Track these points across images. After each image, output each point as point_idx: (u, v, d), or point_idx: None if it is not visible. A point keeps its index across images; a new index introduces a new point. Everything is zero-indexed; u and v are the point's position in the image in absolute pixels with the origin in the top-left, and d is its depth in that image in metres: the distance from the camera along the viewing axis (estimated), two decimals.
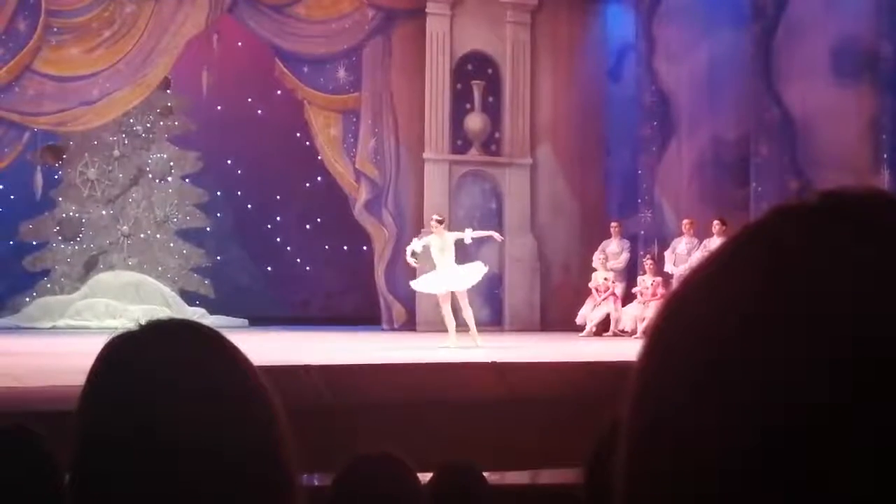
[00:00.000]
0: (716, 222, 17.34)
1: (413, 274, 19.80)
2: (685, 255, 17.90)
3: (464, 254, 20.10)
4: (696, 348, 0.71)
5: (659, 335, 0.76)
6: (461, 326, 15.48)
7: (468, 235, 16.07)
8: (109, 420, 1.33)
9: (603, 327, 18.64)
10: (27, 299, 20.60)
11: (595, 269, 18.99)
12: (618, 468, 0.75)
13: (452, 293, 15.67)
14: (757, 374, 0.67)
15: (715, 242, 17.03)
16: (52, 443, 2.62)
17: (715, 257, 0.74)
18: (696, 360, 0.71)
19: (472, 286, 16.15)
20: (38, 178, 20.23)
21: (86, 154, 21.36)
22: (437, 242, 15.61)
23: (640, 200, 19.71)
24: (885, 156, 15.80)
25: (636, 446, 0.74)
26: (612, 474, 0.77)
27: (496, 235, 16.84)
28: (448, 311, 15.50)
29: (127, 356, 1.38)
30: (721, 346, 0.70)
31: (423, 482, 3.68)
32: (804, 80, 16.52)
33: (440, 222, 15.73)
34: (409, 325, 19.71)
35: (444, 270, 15.59)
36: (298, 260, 22.55)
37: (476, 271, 15.89)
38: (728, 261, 0.73)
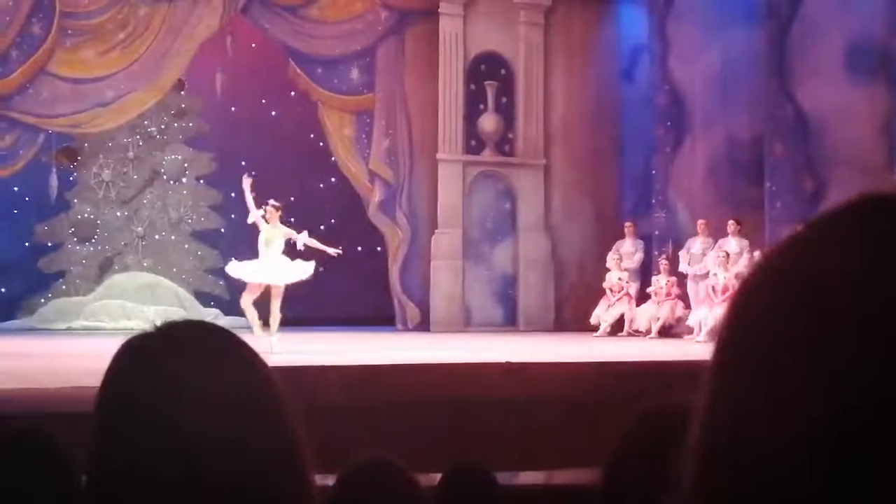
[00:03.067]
0: (731, 222, 17.34)
1: (427, 275, 19.84)
2: (700, 254, 17.88)
3: (478, 253, 20.14)
4: (778, 343, 0.68)
5: (732, 330, 0.72)
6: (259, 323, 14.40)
7: (302, 239, 14.74)
8: (125, 421, 1.34)
9: (617, 327, 18.63)
10: (42, 300, 20.65)
11: (609, 270, 18.98)
12: (688, 465, 0.72)
13: (267, 289, 14.48)
14: (845, 370, 0.65)
15: (729, 242, 17.03)
16: (68, 444, 2.62)
17: (791, 246, 0.71)
18: (778, 355, 0.67)
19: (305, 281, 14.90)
20: (53, 180, 20.28)
21: (100, 155, 21.41)
22: (267, 232, 14.42)
23: (654, 200, 19.67)
24: None
25: (712, 447, 0.71)
26: (632, 474, 0.76)
27: (332, 251, 15.24)
28: (249, 304, 14.39)
29: (143, 357, 1.38)
30: (810, 340, 0.66)
31: (433, 483, 3.68)
32: (818, 79, 16.48)
33: (277, 209, 14.51)
34: (423, 325, 19.72)
35: (267, 262, 14.41)
36: (312, 260, 22.52)
37: (302, 270, 14.66)
38: (813, 248, 0.70)
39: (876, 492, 0.63)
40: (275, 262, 14.47)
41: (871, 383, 0.64)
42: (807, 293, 0.68)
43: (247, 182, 14.85)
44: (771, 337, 0.69)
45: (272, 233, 14.44)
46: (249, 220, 14.69)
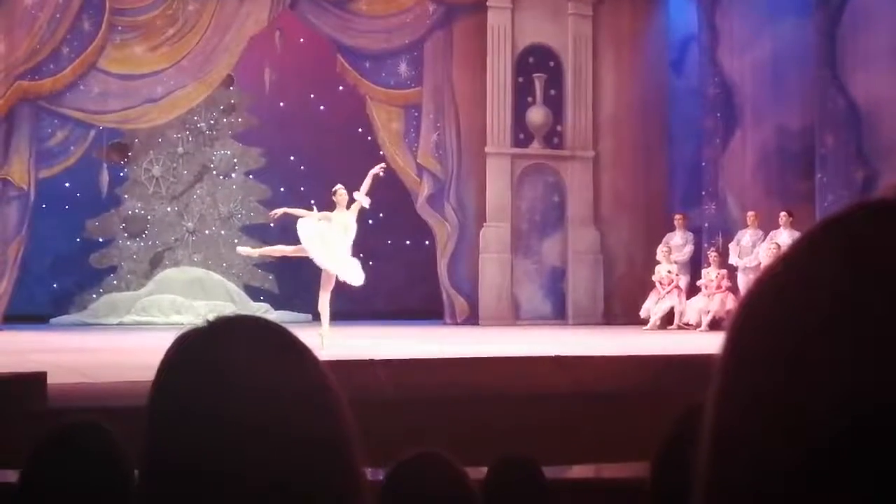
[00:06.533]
0: (782, 214, 17.23)
1: (475, 269, 19.83)
2: (750, 247, 17.78)
3: (527, 246, 20.12)
4: (774, 345, 0.71)
5: (738, 331, 0.75)
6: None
7: (363, 197, 13.98)
8: (178, 416, 1.35)
9: (667, 321, 18.55)
10: (94, 296, 20.82)
11: (659, 262, 18.90)
12: (699, 460, 0.74)
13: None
14: (834, 373, 0.67)
15: (781, 234, 16.91)
16: (121, 438, 2.65)
17: (792, 254, 0.74)
18: (774, 357, 0.70)
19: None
20: (104, 176, 20.42)
21: (150, 151, 21.55)
22: (342, 219, 13.75)
23: (703, 192, 19.58)
24: None
25: (718, 442, 0.73)
26: (681, 468, 0.76)
27: (376, 170, 14.21)
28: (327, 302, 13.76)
29: (195, 352, 1.39)
30: (799, 343, 0.69)
31: (481, 476, 3.68)
32: (869, 69, 16.34)
33: (333, 194, 13.86)
34: (472, 319, 19.72)
35: (344, 254, 13.82)
36: (361, 255, 22.43)
37: (356, 270, 14.06)
38: (807, 257, 0.72)
39: (878, 488, 0.65)
40: (349, 257, 13.95)
41: (858, 385, 0.66)
42: (800, 296, 0.71)
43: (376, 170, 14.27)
44: (771, 336, 0.72)
45: (346, 219, 13.83)
46: (367, 204, 14.05)
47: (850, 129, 16.55)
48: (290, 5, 19.60)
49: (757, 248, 17.52)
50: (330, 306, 13.93)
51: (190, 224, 21.82)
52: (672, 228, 19.52)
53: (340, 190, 14.01)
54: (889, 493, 0.64)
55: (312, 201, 14.53)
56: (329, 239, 13.73)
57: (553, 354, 10.09)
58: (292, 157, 22.35)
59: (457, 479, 2.95)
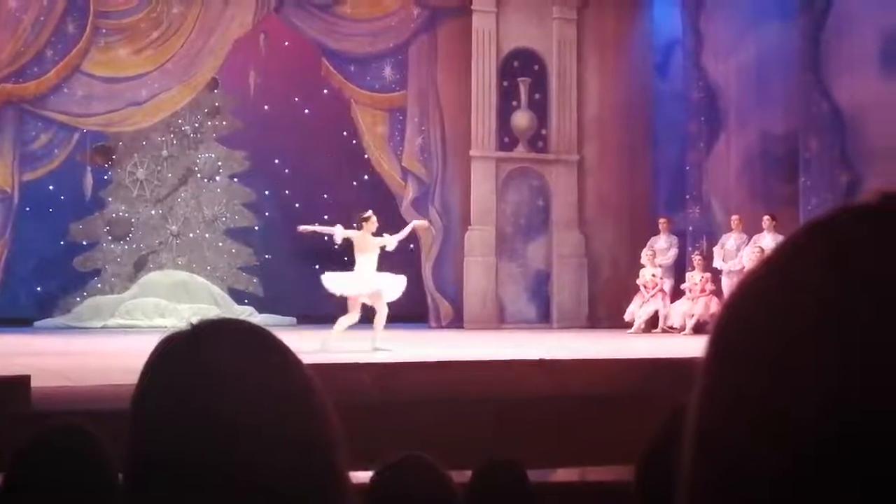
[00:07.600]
0: (766, 217, 17.28)
1: (460, 272, 19.84)
2: (734, 250, 17.82)
3: (512, 250, 20.13)
4: (758, 349, 0.70)
5: (721, 334, 0.75)
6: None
7: (392, 242, 14.44)
8: (162, 418, 1.34)
9: (651, 324, 18.58)
10: (78, 299, 20.75)
11: (643, 266, 18.93)
12: (682, 463, 0.74)
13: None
14: (820, 378, 0.67)
15: (765, 238, 16.95)
16: (105, 441, 2.64)
17: (776, 257, 0.73)
18: (758, 361, 0.70)
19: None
20: (88, 179, 20.38)
21: (135, 154, 21.50)
22: (360, 242, 14.16)
23: (688, 196, 19.61)
24: None
25: (701, 445, 0.73)
26: (666, 471, 0.76)
27: (420, 224, 14.31)
28: (344, 328, 14.15)
29: (179, 355, 1.39)
30: (784, 348, 0.69)
31: (465, 480, 3.68)
32: (853, 73, 16.39)
33: (366, 220, 14.19)
34: (457, 322, 19.72)
35: (366, 275, 14.19)
36: (345, 258, 22.54)
37: (398, 285, 14.41)
38: (791, 261, 0.72)
39: (866, 496, 0.64)
40: (374, 277, 14.24)
41: (845, 392, 0.66)
42: (784, 300, 0.71)
43: (307, 228, 14.79)
44: (754, 339, 0.72)
45: (366, 243, 14.14)
46: (338, 240, 14.45)
47: (834, 133, 16.60)
48: (274, 8, 19.59)
49: (741, 252, 17.56)
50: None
51: (174, 227, 21.77)
52: (656, 232, 19.54)
53: (374, 217, 14.28)
54: (876, 502, 0.64)
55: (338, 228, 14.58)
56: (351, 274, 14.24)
57: (537, 358, 10.09)
58: (277, 161, 22.31)
59: (441, 483, 2.95)
